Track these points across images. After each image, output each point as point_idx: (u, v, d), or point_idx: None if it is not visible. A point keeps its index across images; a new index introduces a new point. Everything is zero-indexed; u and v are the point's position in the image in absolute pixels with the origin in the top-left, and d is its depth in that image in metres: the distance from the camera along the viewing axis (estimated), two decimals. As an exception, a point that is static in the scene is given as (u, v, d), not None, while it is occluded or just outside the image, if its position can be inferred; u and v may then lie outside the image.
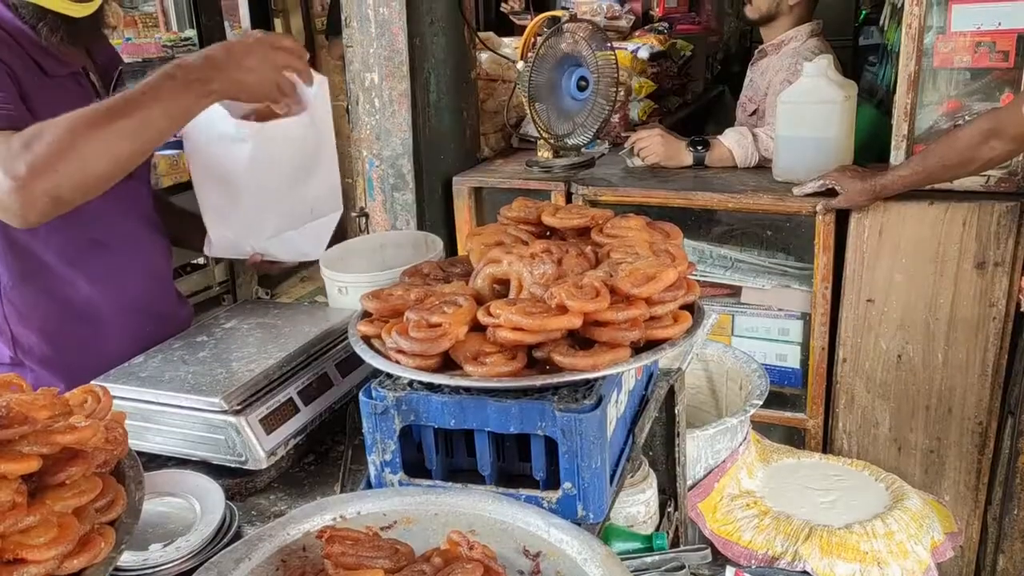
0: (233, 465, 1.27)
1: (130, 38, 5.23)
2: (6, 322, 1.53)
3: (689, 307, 1.22)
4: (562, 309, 1.09)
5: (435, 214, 2.82)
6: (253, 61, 1.36)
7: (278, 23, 6.34)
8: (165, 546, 1.11)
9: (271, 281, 5.63)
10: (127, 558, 1.06)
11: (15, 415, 0.76)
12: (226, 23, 5.86)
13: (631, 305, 1.11)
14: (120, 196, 1.46)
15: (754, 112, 2.99)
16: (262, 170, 1.56)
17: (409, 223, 2.73)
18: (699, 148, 2.72)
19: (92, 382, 1.15)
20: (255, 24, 5.94)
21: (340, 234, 1.80)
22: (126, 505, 0.89)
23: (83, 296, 1.58)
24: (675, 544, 1.73)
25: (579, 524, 1.09)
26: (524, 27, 2.87)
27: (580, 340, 1.13)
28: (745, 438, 2.24)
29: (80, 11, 1.48)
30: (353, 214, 2.95)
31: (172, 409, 1.29)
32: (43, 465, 0.78)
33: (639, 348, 1.13)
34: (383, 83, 2.61)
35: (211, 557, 1.05)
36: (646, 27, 4.02)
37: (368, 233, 2.80)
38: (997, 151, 2.02)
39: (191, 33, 5.71)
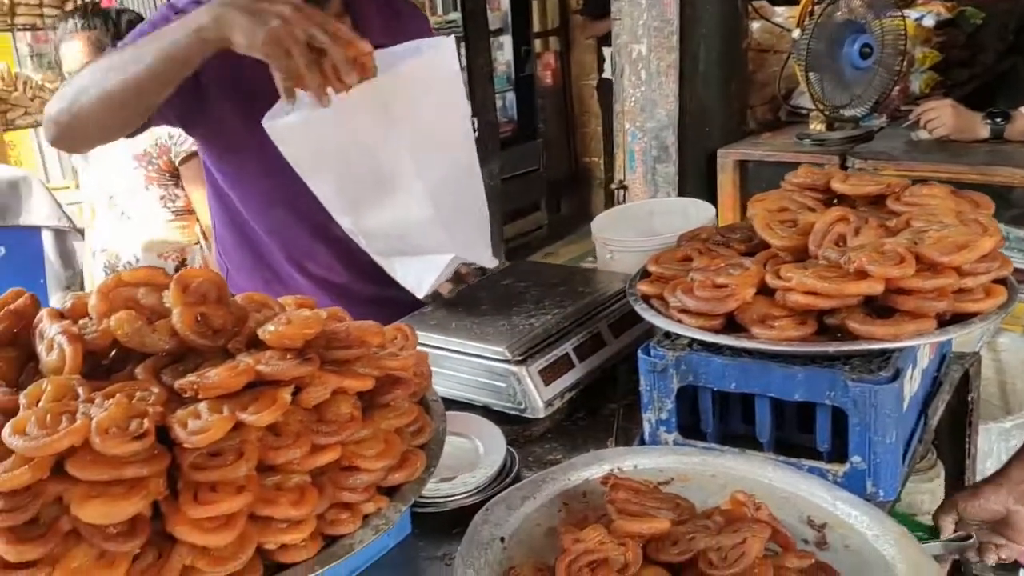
0: (512, 412, 1.33)
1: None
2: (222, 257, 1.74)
3: (1001, 283, 1.12)
4: (861, 274, 1.03)
5: (697, 188, 2.78)
6: (261, 4, 1.17)
7: (534, 1, 6.46)
8: (451, 480, 1.18)
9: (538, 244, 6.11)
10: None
11: (353, 338, 0.85)
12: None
13: (939, 274, 1.04)
14: None
15: (1063, 82, 2.67)
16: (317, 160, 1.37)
17: (670, 196, 2.71)
18: (998, 120, 2.47)
19: (395, 323, 1.25)
20: (515, 3, 6.08)
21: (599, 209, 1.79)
22: (432, 433, 0.96)
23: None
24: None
25: (868, 500, 1.04)
26: (799, -5, 2.73)
27: (877, 308, 1.07)
28: (1041, 438, 2.03)
29: None
30: (612, 186, 2.98)
31: (459, 356, 1.37)
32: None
33: (943, 321, 1.06)
34: (651, 54, 2.60)
35: (492, 496, 1.10)
36: (932, -8, 3.70)
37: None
38: None
39: (454, 17, 5.94)
